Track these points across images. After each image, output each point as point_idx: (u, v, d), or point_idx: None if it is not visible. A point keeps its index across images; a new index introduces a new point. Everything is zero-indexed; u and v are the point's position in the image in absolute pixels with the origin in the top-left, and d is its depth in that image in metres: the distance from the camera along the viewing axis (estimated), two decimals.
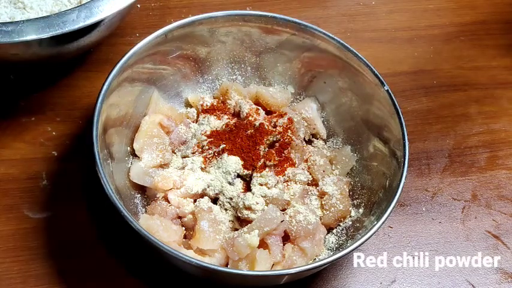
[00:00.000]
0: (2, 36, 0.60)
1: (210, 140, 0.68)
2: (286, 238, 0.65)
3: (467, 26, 0.93)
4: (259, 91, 0.74)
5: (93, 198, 0.68)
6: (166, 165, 0.68)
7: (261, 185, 0.65)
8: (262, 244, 0.62)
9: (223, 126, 0.70)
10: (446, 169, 0.78)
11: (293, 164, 0.69)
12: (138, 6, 0.86)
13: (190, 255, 0.59)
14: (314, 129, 0.74)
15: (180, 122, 0.72)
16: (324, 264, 0.59)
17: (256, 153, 0.67)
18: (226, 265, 0.62)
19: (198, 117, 0.73)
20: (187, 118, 0.73)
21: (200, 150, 0.68)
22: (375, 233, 0.60)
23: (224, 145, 0.67)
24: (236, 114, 0.72)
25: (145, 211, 0.66)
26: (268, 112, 0.73)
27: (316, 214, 0.66)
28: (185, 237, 0.65)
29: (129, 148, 0.69)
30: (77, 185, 0.70)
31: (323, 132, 0.75)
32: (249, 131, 0.68)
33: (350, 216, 0.68)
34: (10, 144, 0.72)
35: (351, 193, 0.70)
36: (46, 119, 0.74)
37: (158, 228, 0.61)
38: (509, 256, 0.72)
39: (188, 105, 0.76)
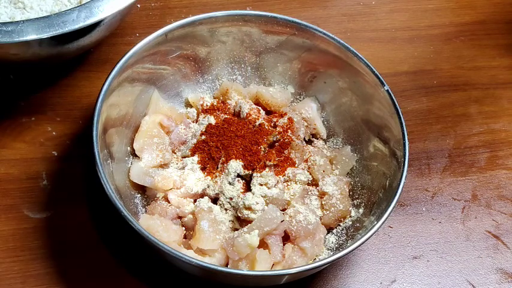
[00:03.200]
0: (2, 36, 0.60)
1: (208, 134, 0.68)
2: (286, 238, 0.65)
3: (467, 26, 0.93)
4: (259, 91, 0.74)
5: (93, 198, 0.69)
6: (166, 165, 0.68)
7: (261, 185, 0.65)
8: (262, 244, 0.62)
9: (221, 123, 0.69)
10: (447, 169, 0.78)
11: (293, 164, 0.69)
12: (138, 6, 0.86)
13: (190, 255, 0.59)
14: (314, 129, 0.74)
15: (180, 122, 0.72)
16: (324, 264, 0.59)
17: (256, 153, 0.67)
18: (226, 265, 0.62)
19: (198, 117, 0.73)
20: (187, 118, 0.73)
21: (200, 148, 0.68)
22: (375, 233, 0.60)
23: (224, 158, 0.67)
24: (236, 114, 0.72)
25: (145, 211, 0.66)
26: (268, 112, 0.74)
27: (316, 214, 0.66)
28: (185, 237, 0.65)
29: (129, 148, 0.69)
30: (77, 185, 0.70)
31: (323, 132, 0.75)
32: (249, 131, 0.69)
33: (350, 216, 0.68)
34: (10, 144, 0.72)
35: (351, 193, 0.70)
36: (46, 119, 0.74)
37: (158, 228, 0.61)
38: (509, 256, 0.72)
39: (188, 105, 0.76)
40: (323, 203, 0.68)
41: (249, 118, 0.70)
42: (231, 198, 0.65)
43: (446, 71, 0.87)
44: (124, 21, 0.78)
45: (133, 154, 0.69)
